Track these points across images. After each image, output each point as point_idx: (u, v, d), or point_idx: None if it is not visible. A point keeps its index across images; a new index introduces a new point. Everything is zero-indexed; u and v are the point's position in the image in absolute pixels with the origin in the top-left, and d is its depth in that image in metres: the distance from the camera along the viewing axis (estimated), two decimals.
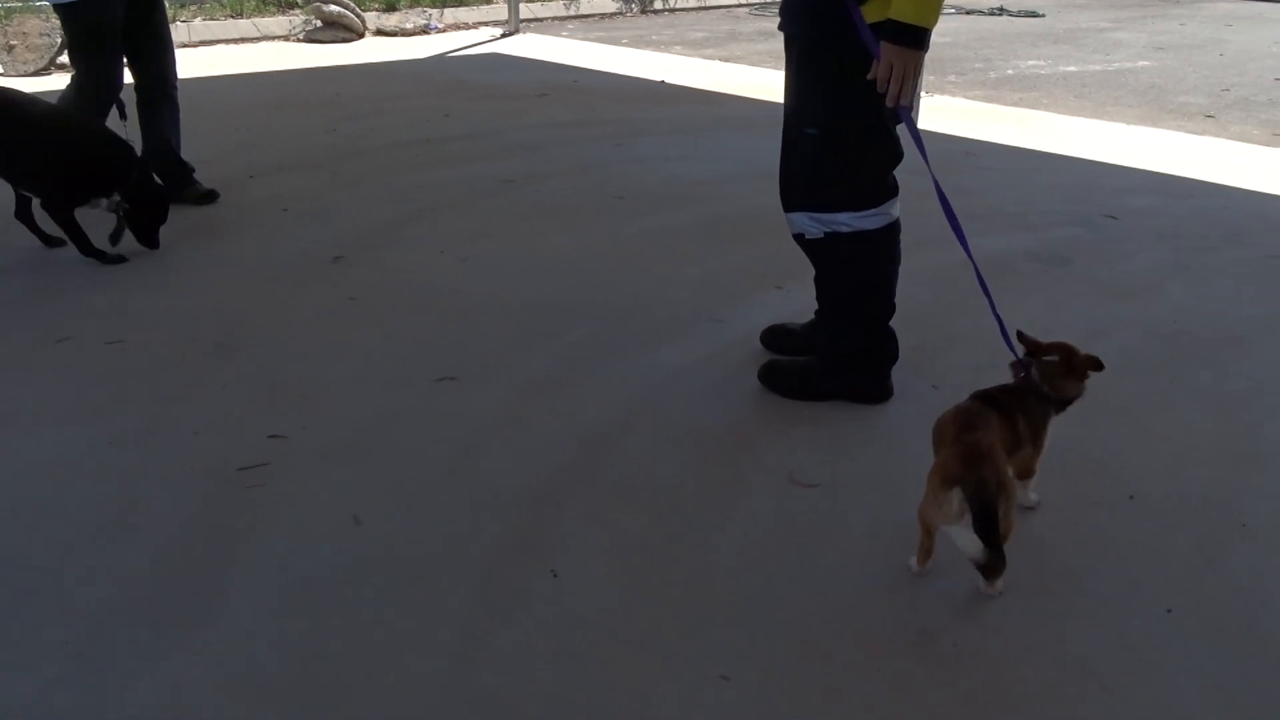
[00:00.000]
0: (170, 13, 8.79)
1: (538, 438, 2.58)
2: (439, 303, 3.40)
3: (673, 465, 2.46)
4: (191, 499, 2.30)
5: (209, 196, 4.38)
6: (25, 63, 7.16)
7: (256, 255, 3.81)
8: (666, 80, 7.45)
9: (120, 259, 3.69)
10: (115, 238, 3.70)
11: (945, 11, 2.37)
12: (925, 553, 2.02)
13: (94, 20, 3.90)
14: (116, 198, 3.63)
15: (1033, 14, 11.84)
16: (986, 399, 2.12)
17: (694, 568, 2.10)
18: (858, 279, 2.67)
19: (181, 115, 4.33)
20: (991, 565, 1.89)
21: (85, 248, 3.66)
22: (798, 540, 2.19)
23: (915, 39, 2.28)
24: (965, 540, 1.86)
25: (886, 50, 2.28)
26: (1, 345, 3.04)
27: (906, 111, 2.41)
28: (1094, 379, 2.61)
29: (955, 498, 1.84)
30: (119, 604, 1.97)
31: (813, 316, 2.92)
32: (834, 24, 2.38)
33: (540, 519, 2.25)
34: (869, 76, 2.32)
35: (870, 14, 2.30)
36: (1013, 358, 2.25)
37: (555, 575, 2.06)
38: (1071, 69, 8.34)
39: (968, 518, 1.83)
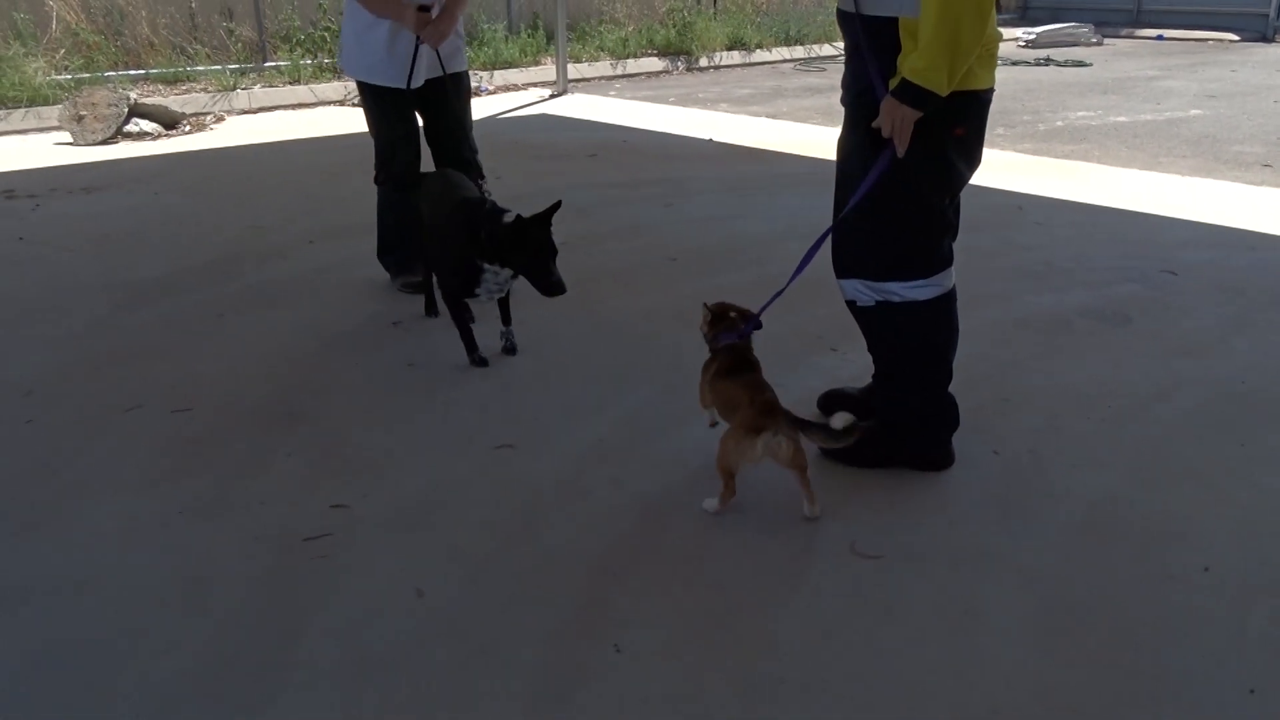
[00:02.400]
0: (231, 80, 9.14)
1: (597, 507, 2.58)
2: (496, 368, 3.44)
3: (733, 535, 2.45)
4: (259, 570, 2.33)
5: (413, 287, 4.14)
6: (94, 132, 7.41)
7: (318, 321, 3.88)
8: (714, 138, 7.53)
9: (482, 362, 3.44)
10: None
11: None
12: (731, 494, 2.48)
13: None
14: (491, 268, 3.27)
15: (1080, 64, 11.84)
16: (749, 363, 2.61)
17: (758, 643, 2.08)
18: (912, 348, 2.65)
19: (242, 183, 4.40)
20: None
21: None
22: (863, 614, 2.16)
23: (913, 97, 2.28)
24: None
25: (884, 103, 2.32)
26: (72, 413, 3.12)
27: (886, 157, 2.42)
28: (1162, 441, 2.59)
29: (760, 443, 2.35)
30: (190, 678, 1.99)
31: (870, 380, 2.91)
32: (870, 96, 2.42)
33: (602, 591, 2.25)
34: (873, 124, 2.36)
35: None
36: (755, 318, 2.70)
37: (618, 650, 2.05)
38: (1122, 119, 8.29)
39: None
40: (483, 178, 3.65)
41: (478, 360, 3.44)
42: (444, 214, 3.42)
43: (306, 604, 2.21)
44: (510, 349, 3.55)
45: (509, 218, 3.12)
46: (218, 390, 3.28)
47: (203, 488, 2.69)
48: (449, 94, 3.98)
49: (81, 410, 3.14)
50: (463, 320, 3.46)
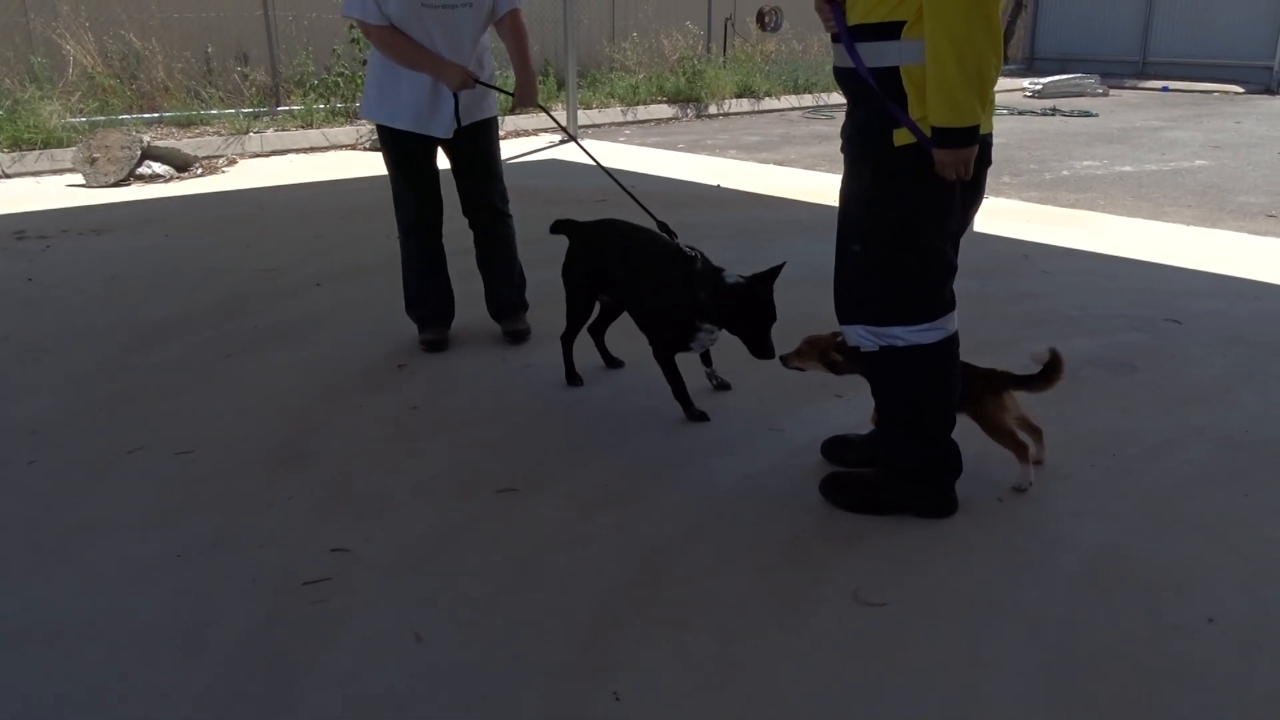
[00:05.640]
0: (244, 124, 9.25)
1: (599, 552, 2.57)
2: (500, 411, 3.44)
3: (736, 582, 2.44)
4: (258, 614, 2.32)
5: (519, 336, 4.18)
6: (106, 174, 7.49)
7: (323, 363, 3.90)
8: (722, 184, 7.58)
9: (702, 416, 3.34)
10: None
11: (997, 113, 2.40)
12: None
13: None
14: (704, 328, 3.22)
15: (1086, 114, 11.94)
16: None
17: (760, 692, 2.05)
18: (915, 393, 2.65)
19: (251, 225, 4.38)
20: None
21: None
22: (866, 663, 2.14)
23: (961, 139, 2.31)
24: None
25: (938, 155, 2.34)
26: (75, 454, 3.12)
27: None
28: (1168, 490, 2.57)
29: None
30: None
31: (873, 427, 2.90)
32: (870, 145, 2.45)
33: (602, 637, 2.23)
34: (941, 174, 2.38)
35: (913, 110, 2.36)
36: None
37: (618, 699, 2.03)
38: (1127, 169, 8.34)
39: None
40: (674, 234, 3.42)
41: (697, 415, 3.34)
42: (651, 271, 3.32)
43: (305, 648, 2.20)
44: (724, 385, 3.58)
45: (730, 278, 3.08)
46: (221, 432, 3.28)
47: (203, 530, 2.68)
48: (479, 140, 3.91)
49: (85, 451, 3.14)
50: (679, 376, 3.35)
